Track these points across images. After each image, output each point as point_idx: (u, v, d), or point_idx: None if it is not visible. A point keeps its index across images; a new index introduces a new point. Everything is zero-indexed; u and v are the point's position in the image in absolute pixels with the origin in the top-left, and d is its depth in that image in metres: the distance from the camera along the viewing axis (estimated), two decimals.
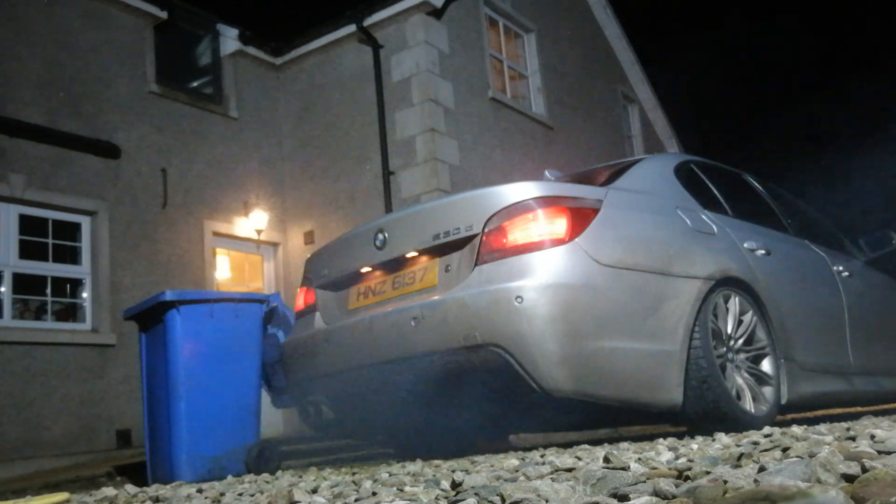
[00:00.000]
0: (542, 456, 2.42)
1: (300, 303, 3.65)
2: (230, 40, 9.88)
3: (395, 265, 3.22)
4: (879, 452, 1.43)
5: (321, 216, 9.71)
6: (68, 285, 7.98)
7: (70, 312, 7.95)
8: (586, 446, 2.77)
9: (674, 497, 1.19)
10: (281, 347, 3.75)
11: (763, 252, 3.56)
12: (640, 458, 1.76)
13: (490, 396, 2.88)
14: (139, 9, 8.91)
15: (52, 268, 7.80)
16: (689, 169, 3.79)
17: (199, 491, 2.42)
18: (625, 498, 1.23)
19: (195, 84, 9.79)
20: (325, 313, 3.46)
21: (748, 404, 3.08)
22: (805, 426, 2.64)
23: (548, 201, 2.86)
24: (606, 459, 1.73)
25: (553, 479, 1.51)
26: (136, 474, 5.23)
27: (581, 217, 2.85)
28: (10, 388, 7.00)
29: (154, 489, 2.73)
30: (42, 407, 7.17)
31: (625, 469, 1.50)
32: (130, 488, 2.68)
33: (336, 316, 3.42)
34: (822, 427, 2.46)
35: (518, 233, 2.82)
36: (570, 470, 1.69)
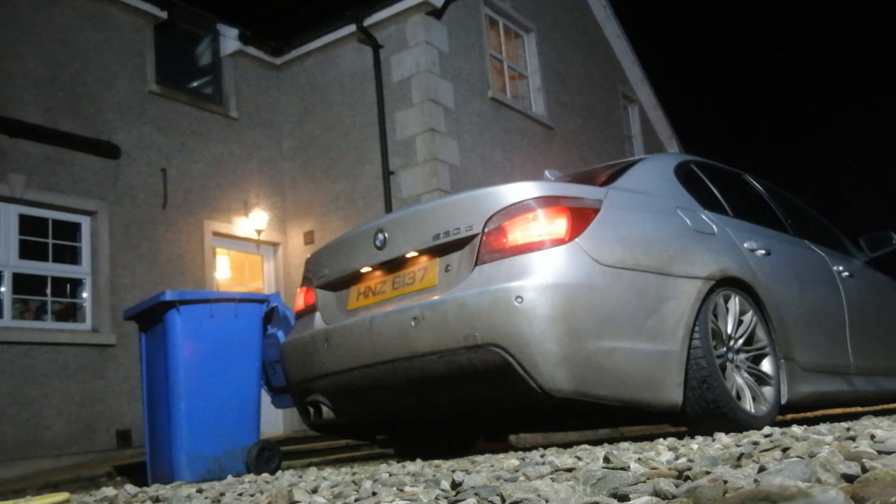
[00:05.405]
0: (542, 456, 2.42)
1: (300, 303, 3.65)
2: (230, 40, 9.89)
3: (395, 265, 3.22)
4: (879, 452, 1.42)
5: (321, 216, 9.72)
6: (68, 285, 7.98)
7: (70, 312, 7.95)
8: (586, 446, 2.77)
9: (674, 497, 1.19)
10: (281, 347, 3.74)
11: (763, 252, 3.56)
12: (640, 458, 1.76)
13: (490, 396, 2.87)
14: (139, 9, 8.91)
15: (52, 268, 7.80)
16: (689, 169, 3.78)
17: (199, 491, 2.42)
18: (625, 498, 1.23)
19: (195, 84, 9.79)
20: (325, 313, 3.46)
21: (748, 404, 3.07)
22: (805, 426, 2.64)
23: (548, 201, 2.86)
24: (606, 459, 1.73)
25: (553, 479, 1.50)
26: (136, 474, 5.24)
27: (581, 217, 2.85)
28: (10, 388, 7.00)
29: (154, 489, 2.73)
30: (42, 407, 7.17)
31: (625, 469, 1.50)
32: (130, 488, 2.68)
33: (336, 316, 3.42)
34: (822, 427, 2.45)
35: (518, 233, 2.82)
36: (570, 470, 1.68)
